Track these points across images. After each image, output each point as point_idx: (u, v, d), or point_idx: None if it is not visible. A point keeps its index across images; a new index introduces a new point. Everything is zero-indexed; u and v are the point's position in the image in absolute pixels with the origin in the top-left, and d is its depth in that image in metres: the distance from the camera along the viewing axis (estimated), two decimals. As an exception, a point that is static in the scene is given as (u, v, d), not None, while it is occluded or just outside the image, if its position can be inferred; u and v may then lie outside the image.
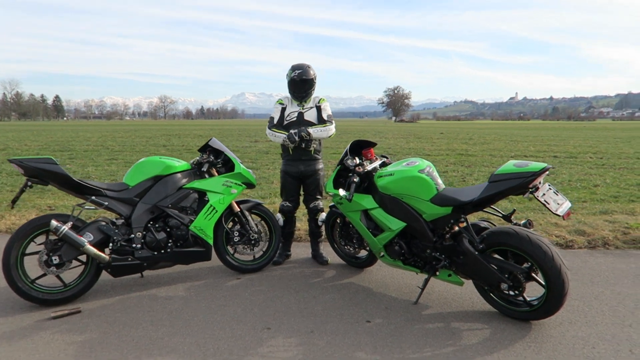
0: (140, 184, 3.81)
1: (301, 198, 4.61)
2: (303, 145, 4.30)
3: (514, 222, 3.34)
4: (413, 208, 3.51)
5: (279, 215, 4.49)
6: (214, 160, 4.11)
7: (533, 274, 3.17)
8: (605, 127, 54.42)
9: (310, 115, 4.37)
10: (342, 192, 3.67)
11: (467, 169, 11.76)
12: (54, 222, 3.42)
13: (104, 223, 3.65)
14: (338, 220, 4.43)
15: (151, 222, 3.81)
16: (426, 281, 3.58)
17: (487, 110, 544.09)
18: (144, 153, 16.07)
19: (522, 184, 2.97)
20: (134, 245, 3.71)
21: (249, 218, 4.25)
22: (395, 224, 3.62)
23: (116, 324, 3.24)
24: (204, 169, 4.01)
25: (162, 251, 3.80)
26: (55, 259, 3.48)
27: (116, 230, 3.68)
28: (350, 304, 3.58)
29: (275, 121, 4.40)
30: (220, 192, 4.02)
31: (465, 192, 3.29)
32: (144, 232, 3.76)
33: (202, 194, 4.00)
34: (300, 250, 4.91)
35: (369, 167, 3.81)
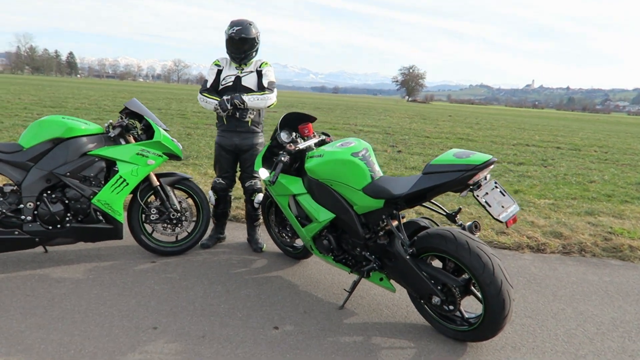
0: (36, 147, 3.28)
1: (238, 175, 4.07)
2: (237, 114, 3.73)
3: (459, 222, 2.78)
4: (343, 197, 2.97)
5: (210, 193, 3.96)
6: (129, 125, 3.55)
7: (472, 288, 2.64)
8: (619, 121, 53.08)
9: (249, 81, 3.78)
10: (263, 172, 3.11)
11: (461, 155, 11.11)
12: None
13: (-6, 190, 3.15)
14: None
15: (47, 192, 3.30)
16: (355, 284, 3.06)
17: (502, 96, 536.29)
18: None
19: (460, 179, 2.40)
20: (22, 217, 3.20)
21: (170, 194, 3.72)
22: (323, 215, 3.08)
23: (16, 309, 2.77)
24: (113, 134, 3.44)
25: (59, 226, 3.30)
26: None
27: (1, 199, 3.17)
28: (264, 304, 3.07)
29: (208, 84, 3.83)
30: (134, 162, 3.47)
31: (399, 183, 2.73)
32: (37, 203, 3.25)
33: (112, 163, 3.46)
34: (239, 233, 4.40)
35: (302, 145, 3.24)
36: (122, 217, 3.47)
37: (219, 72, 3.83)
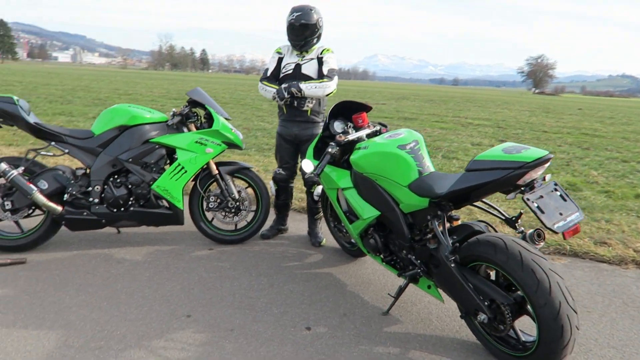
0: (105, 133, 3.47)
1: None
2: (295, 103, 3.61)
3: (520, 229, 2.37)
4: (388, 193, 2.70)
5: (271, 184, 3.90)
6: (189, 113, 3.60)
7: (528, 307, 2.24)
8: None
9: (309, 68, 3.62)
10: (306, 164, 2.94)
11: (581, 152, 9.95)
12: (3, 165, 3.23)
13: (61, 172, 3.39)
14: (334, 197, 3.71)
15: (113, 177, 3.48)
16: (401, 289, 2.78)
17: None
18: (225, 105, 16.29)
19: (505, 178, 2.02)
20: (90, 199, 3.41)
21: (230, 183, 3.72)
22: (367, 212, 2.84)
23: (45, 282, 2.99)
24: (171, 122, 3.51)
25: (122, 209, 3.46)
26: (7, 204, 3.32)
27: (73, 181, 3.40)
28: (304, 302, 2.93)
29: (269, 73, 3.74)
30: (192, 150, 3.52)
31: (446, 181, 2.39)
32: (104, 187, 3.43)
33: (173, 151, 3.55)
34: (303, 225, 4.29)
35: (352, 136, 3.01)
36: (181, 203, 3.54)
37: (280, 60, 3.73)
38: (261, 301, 2.91)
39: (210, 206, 3.71)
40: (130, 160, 3.43)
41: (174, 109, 3.60)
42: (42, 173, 3.36)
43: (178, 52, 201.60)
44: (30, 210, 3.38)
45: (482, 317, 2.27)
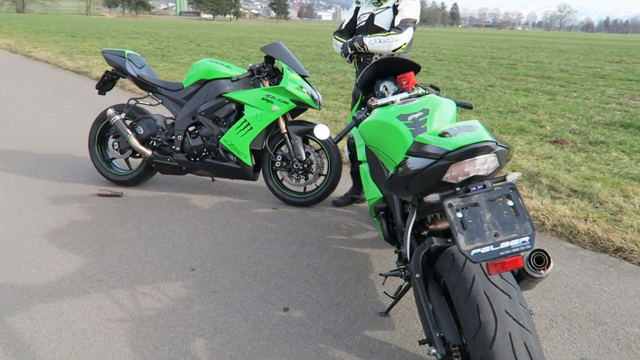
0: (190, 87, 3.71)
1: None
2: (362, 60, 3.19)
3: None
4: (387, 171, 2.21)
5: (345, 149, 3.61)
6: (261, 69, 3.54)
7: None
8: None
9: (382, 19, 3.13)
10: (320, 130, 2.58)
11: None
12: (109, 111, 3.77)
13: (152, 120, 3.78)
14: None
15: (192, 127, 3.71)
16: (401, 289, 2.31)
17: None
18: (450, 64, 15.32)
19: (428, 171, 1.41)
20: (173, 147, 3.72)
21: (298, 144, 3.57)
22: (370, 192, 2.39)
23: (119, 215, 3.44)
24: (235, 78, 3.50)
25: (197, 159, 3.69)
26: (115, 145, 3.88)
27: (160, 129, 3.75)
28: (307, 280, 2.69)
29: (343, 25, 3.37)
30: (258, 107, 3.49)
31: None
32: (185, 137, 3.70)
33: (242, 106, 3.58)
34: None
35: (382, 100, 2.50)
36: (248, 159, 3.58)
37: (357, 10, 3.31)
38: (270, 269, 2.79)
39: (276, 165, 3.66)
40: (203, 113, 3.59)
41: (250, 64, 3.60)
42: (140, 120, 3.80)
43: (428, 7, 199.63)
44: (131, 152, 3.88)
45: (432, 351, 1.71)
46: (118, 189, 3.88)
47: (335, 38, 3.37)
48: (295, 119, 3.74)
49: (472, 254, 1.31)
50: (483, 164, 1.40)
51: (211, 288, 2.59)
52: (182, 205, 3.67)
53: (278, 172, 3.76)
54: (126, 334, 2.21)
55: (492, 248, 1.30)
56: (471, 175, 1.44)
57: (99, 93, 4.09)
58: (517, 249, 1.30)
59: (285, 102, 3.47)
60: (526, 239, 1.32)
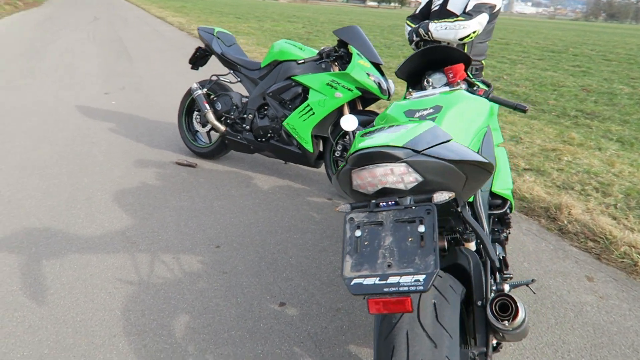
0: (265, 67, 3.71)
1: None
2: None
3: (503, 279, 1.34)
4: None
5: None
6: (330, 53, 3.38)
7: None
8: None
9: (456, 3, 2.74)
10: (347, 120, 2.35)
11: None
12: (194, 85, 3.97)
13: (230, 97, 3.88)
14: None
15: (261, 108, 3.72)
16: None
17: None
18: (619, 66, 13.25)
19: (340, 176, 1.15)
20: (244, 125, 3.79)
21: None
22: None
23: (185, 185, 3.63)
24: (300, 60, 3.38)
25: (263, 139, 3.70)
26: (197, 118, 4.09)
27: (235, 106, 3.84)
28: (323, 282, 2.53)
29: (418, 9, 3.04)
30: (322, 92, 3.35)
31: None
32: (254, 116, 3.74)
33: (308, 90, 3.47)
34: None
35: (418, 94, 2.20)
36: (309, 145, 3.48)
37: (434, -7, 2.96)
38: (288, 261, 2.69)
39: (336, 155, 3.50)
40: (271, 94, 3.57)
41: (322, 47, 3.47)
42: (219, 96, 3.94)
43: (618, 1, 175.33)
44: (210, 126, 4.03)
45: None
46: (194, 160, 4.09)
47: (406, 23, 3.07)
48: (367, 108, 3.53)
49: (352, 283, 1.05)
50: (389, 175, 1.11)
51: (223, 268, 2.58)
52: (243, 183, 3.73)
53: (339, 162, 3.60)
54: (125, 297, 2.30)
55: (376, 281, 1.03)
56: (380, 187, 1.16)
57: (192, 68, 4.32)
58: (406, 289, 1.01)
59: (349, 89, 3.28)
60: (421, 277, 1.02)
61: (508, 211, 2.06)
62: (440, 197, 1.13)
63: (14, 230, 2.84)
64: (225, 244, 2.83)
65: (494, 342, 1.56)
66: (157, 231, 2.93)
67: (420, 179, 1.10)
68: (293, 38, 14.07)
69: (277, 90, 3.54)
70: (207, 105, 3.86)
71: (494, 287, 1.45)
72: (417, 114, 1.82)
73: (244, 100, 3.87)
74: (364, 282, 1.03)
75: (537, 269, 2.69)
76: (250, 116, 3.73)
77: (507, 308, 1.25)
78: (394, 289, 1.01)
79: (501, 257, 1.88)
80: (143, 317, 2.18)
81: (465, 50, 2.83)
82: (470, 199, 1.77)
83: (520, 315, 1.26)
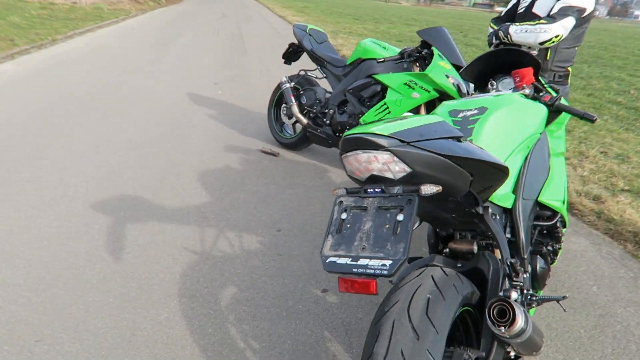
0: (350, 64, 3.80)
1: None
2: None
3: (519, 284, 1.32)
4: None
5: None
6: (412, 53, 3.36)
7: None
8: None
9: (543, 6, 2.58)
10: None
11: None
12: (283, 78, 4.18)
13: (314, 92, 4.02)
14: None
15: (342, 104, 3.81)
16: None
17: None
18: None
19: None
20: (324, 119, 3.91)
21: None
22: None
23: (262, 171, 3.85)
24: (380, 59, 3.38)
25: (339, 134, 3.79)
26: (284, 110, 4.30)
27: (318, 101, 3.97)
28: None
29: (503, 12, 2.90)
30: (400, 91, 3.35)
31: None
32: (334, 112, 3.84)
33: (386, 89, 3.49)
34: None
35: (479, 94, 2.13)
36: (383, 144, 3.51)
37: (523, -6, 2.82)
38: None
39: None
40: (351, 90, 3.65)
41: (405, 47, 3.47)
42: (305, 90, 4.10)
43: None
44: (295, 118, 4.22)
45: None
46: (278, 150, 4.30)
47: (490, 25, 2.96)
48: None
49: (327, 260, 1.09)
50: (374, 162, 1.12)
51: (279, 251, 2.72)
52: (317, 175, 3.86)
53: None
54: (186, 264, 2.54)
55: (348, 261, 1.06)
56: (369, 174, 1.17)
57: (285, 62, 4.55)
58: (372, 271, 1.03)
59: (426, 90, 3.25)
60: (387, 263, 1.03)
61: (559, 225, 1.94)
62: (428, 189, 1.13)
63: (111, 195, 3.24)
64: (286, 229, 2.97)
65: (512, 354, 1.50)
66: (228, 210, 3.16)
67: (408, 169, 1.11)
68: (405, 41, 13.96)
69: (357, 88, 3.61)
70: (292, 99, 4.04)
71: (500, 293, 1.40)
72: (461, 114, 1.79)
73: (327, 95, 4.00)
74: (338, 261, 1.08)
75: (606, 295, 2.47)
76: (331, 111, 3.84)
77: (505, 314, 1.22)
78: (361, 270, 1.04)
79: (540, 268, 1.79)
80: (197, 284, 2.39)
81: (549, 56, 2.67)
82: (509, 205, 1.71)
83: (519, 323, 1.21)
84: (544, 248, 1.88)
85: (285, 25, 17.14)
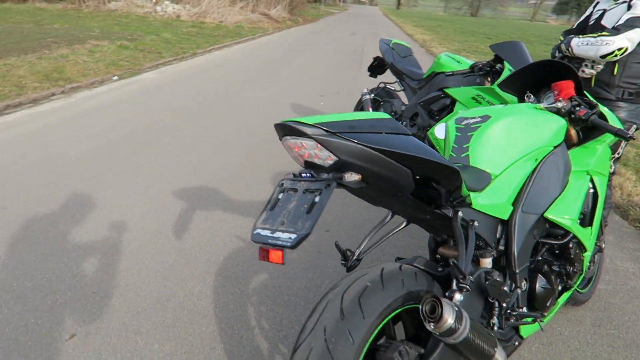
0: (425, 78, 3.83)
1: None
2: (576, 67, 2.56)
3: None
4: None
5: None
6: (484, 67, 3.28)
7: None
8: None
9: (612, 17, 2.39)
10: (439, 129, 2.33)
11: None
12: (364, 90, 4.33)
13: (391, 104, 4.11)
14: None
15: (414, 117, 3.84)
16: None
17: None
18: None
19: None
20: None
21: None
22: None
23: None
24: (449, 73, 3.35)
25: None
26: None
27: (393, 113, 4.05)
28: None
29: (575, 25, 2.72)
30: (467, 105, 3.30)
31: None
32: (407, 124, 3.89)
33: (455, 102, 3.45)
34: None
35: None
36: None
37: (596, 5, 2.63)
38: (375, 257, 2.81)
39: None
40: (422, 103, 3.67)
41: (476, 61, 3.41)
42: (384, 102, 4.21)
43: None
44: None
45: None
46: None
47: (559, 38, 2.80)
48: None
49: (254, 232, 1.21)
50: (302, 149, 1.19)
51: (318, 249, 2.87)
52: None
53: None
54: (232, 249, 2.81)
55: (268, 233, 1.17)
56: (303, 160, 1.25)
57: (370, 75, 4.69)
58: (281, 243, 1.13)
59: (491, 104, 3.17)
60: (293, 236, 1.12)
61: (572, 246, 1.81)
62: (349, 177, 1.20)
63: (194, 185, 3.68)
64: (335, 230, 3.11)
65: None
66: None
67: (335, 157, 1.19)
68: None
69: (428, 100, 3.63)
70: (370, 110, 4.17)
71: (446, 294, 1.39)
72: (465, 122, 1.81)
73: (403, 107, 4.06)
74: (262, 233, 1.20)
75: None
76: (404, 123, 3.89)
77: (434, 310, 1.24)
78: (273, 242, 1.15)
79: (540, 287, 1.72)
80: (235, 267, 2.64)
81: (616, 71, 2.46)
82: (505, 217, 1.68)
83: (448, 320, 1.22)
84: (547, 267, 1.79)
85: (411, 44, 17.19)
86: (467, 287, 1.39)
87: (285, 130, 1.19)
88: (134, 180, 3.72)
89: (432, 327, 1.26)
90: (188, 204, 3.34)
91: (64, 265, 2.56)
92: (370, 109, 4.18)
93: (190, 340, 2.08)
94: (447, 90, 3.50)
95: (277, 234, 1.16)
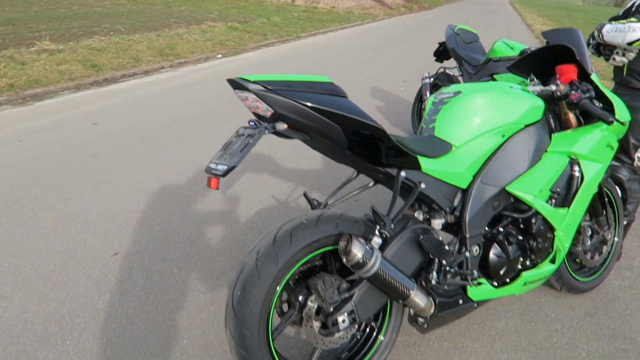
0: (482, 64, 3.83)
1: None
2: (601, 50, 2.49)
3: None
4: None
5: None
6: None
7: None
8: None
9: (647, 3, 2.29)
10: None
11: None
12: (424, 74, 4.42)
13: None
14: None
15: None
16: None
17: None
18: None
19: None
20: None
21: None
22: None
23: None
24: (505, 57, 3.32)
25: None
26: (423, 105, 4.53)
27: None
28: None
29: (621, 11, 2.60)
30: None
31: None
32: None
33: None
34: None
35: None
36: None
37: (641, -8, 2.49)
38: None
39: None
40: (471, 89, 3.69)
41: (525, 47, 3.36)
42: (440, 86, 4.26)
43: None
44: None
45: None
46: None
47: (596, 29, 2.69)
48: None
49: (208, 165, 1.50)
50: (248, 102, 1.43)
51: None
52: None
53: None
54: (246, 242, 3.14)
55: (212, 165, 1.45)
56: (252, 110, 1.50)
57: (436, 60, 4.73)
58: (217, 172, 1.41)
59: (535, 92, 3.13)
60: (224, 167, 1.39)
61: (535, 221, 1.88)
62: (278, 126, 1.46)
63: (220, 193, 4.06)
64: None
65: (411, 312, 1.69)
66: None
67: (271, 110, 1.43)
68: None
69: (476, 85, 3.64)
70: (427, 94, 4.26)
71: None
72: (440, 97, 1.95)
73: (459, 94, 4.08)
74: (210, 165, 1.50)
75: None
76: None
77: (347, 245, 1.46)
78: (214, 171, 1.44)
79: (494, 255, 1.84)
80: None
81: (648, 59, 2.35)
82: (464, 186, 1.81)
83: (356, 255, 1.44)
84: (504, 238, 1.87)
85: (526, 34, 16.23)
86: (386, 233, 1.58)
87: (233, 84, 1.48)
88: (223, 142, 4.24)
89: (344, 260, 1.48)
90: (211, 203, 3.74)
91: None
92: (428, 93, 4.26)
93: (198, 272, 2.48)
94: (496, 77, 3.49)
95: (218, 166, 1.46)
